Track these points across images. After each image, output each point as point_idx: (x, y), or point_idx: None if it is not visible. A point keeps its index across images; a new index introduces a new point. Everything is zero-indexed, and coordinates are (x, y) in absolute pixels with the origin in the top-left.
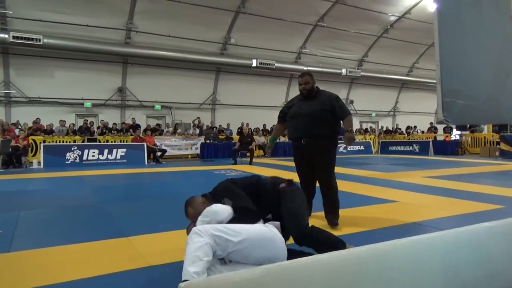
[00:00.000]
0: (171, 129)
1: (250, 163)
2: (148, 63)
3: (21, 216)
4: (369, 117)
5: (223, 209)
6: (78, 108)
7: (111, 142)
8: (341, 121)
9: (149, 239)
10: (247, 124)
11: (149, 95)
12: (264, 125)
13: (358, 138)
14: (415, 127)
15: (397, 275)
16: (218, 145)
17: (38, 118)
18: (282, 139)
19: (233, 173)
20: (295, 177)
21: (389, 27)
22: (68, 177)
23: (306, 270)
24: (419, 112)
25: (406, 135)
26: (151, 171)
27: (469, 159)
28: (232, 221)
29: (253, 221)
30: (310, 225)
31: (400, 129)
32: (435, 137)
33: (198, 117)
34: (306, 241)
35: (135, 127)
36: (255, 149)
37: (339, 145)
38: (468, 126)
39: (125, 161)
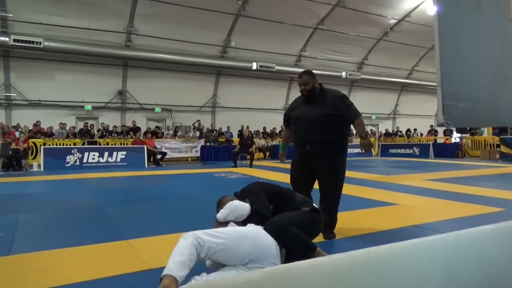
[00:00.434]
0: (171, 131)
1: (250, 165)
2: (148, 66)
3: (21, 219)
4: (369, 120)
5: (243, 206)
6: (79, 111)
7: (111, 145)
8: (351, 125)
9: (149, 242)
10: (247, 127)
11: (150, 98)
12: (264, 128)
13: (358, 141)
14: (415, 130)
15: (397, 278)
16: (218, 148)
17: (38, 121)
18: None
19: (233, 176)
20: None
21: (389, 30)
22: (68, 180)
23: (306, 273)
24: (419, 115)
25: (406, 137)
26: (151, 174)
27: (469, 162)
28: (246, 219)
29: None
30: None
31: (400, 131)
32: (435, 140)
33: (198, 120)
34: (280, 235)
35: (135, 129)
36: (255, 152)
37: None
38: (468, 128)
39: (125, 164)
